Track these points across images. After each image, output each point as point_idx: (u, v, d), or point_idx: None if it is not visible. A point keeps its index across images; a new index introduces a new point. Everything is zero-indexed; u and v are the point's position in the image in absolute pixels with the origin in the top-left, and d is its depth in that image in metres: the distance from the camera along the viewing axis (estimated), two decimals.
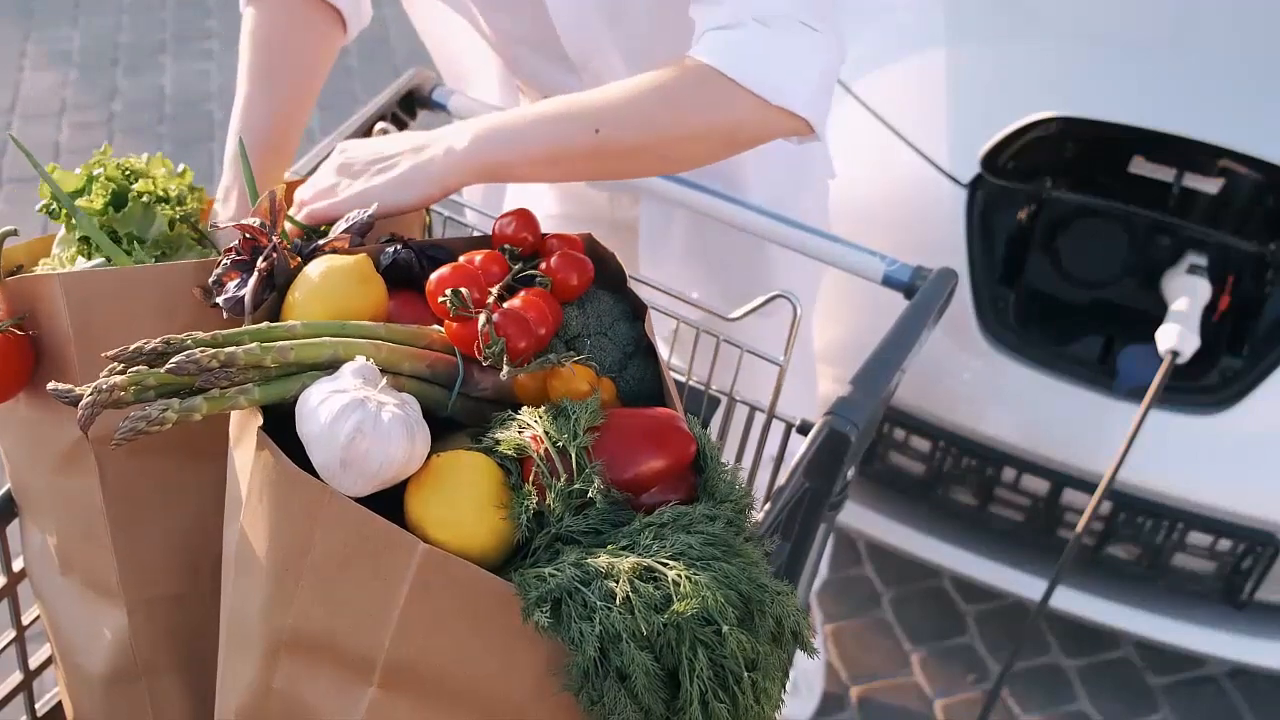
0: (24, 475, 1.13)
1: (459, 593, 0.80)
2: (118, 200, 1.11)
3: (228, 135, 1.21)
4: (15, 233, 1.03)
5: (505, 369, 0.91)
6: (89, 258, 1.09)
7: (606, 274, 1.08)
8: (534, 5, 1.27)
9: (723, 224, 1.39)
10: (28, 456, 1.10)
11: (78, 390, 0.83)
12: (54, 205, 1.11)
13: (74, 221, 1.10)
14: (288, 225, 1.08)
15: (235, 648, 0.92)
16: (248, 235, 0.98)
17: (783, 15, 1.11)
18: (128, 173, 1.14)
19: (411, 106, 1.53)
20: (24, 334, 1.02)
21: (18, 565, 1.20)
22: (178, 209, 1.13)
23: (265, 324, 0.90)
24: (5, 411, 1.09)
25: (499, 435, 0.88)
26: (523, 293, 0.97)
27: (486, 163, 1.10)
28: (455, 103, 1.50)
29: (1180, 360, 1.70)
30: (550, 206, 1.68)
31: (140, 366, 0.84)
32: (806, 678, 2.20)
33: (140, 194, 1.12)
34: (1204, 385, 1.87)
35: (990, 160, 1.91)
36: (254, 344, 0.87)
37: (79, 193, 1.13)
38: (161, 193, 1.14)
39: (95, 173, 1.13)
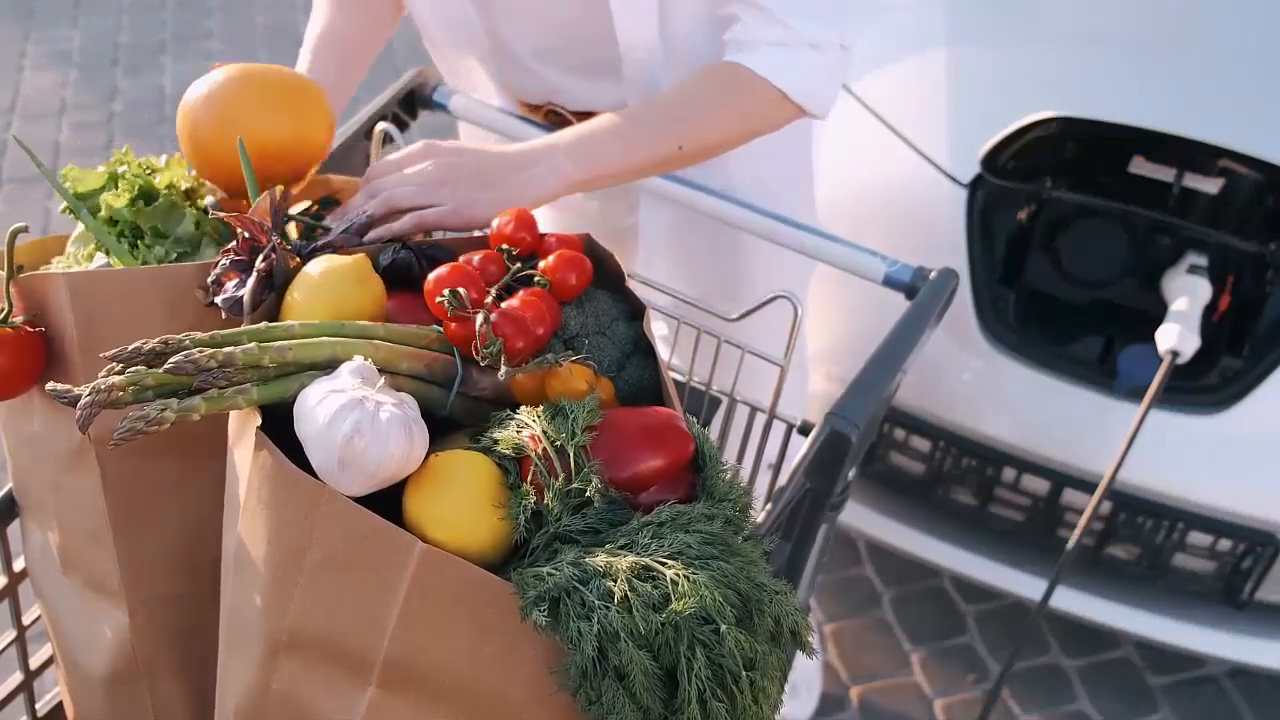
0: (28, 474, 1.13)
1: (457, 592, 0.80)
2: (146, 195, 1.12)
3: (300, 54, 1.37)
4: (26, 229, 1.04)
5: (503, 369, 0.91)
6: (108, 252, 1.10)
7: (605, 274, 1.09)
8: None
9: (714, 223, 1.39)
10: (32, 455, 1.10)
11: (76, 390, 0.83)
12: (79, 205, 1.12)
13: (82, 221, 1.11)
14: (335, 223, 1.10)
15: (235, 648, 0.92)
16: (247, 235, 0.98)
17: (830, 42, 1.27)
18: (149, 170, 1.15)
19: (412, 106, 1.53)
20: (36, 331, 1.02)
21: (19, 565, 1.21)
22: (198, 205, 1.14)
23: (264, 324, 0.90)
24: (16, 408, 1.09)
25: (497, 435, 0.88)
26: (521, 293, 0.97)
27: (581, 180, 1.19)
28: (456, 103, 1.50)
29: (1180, 360, 1.70)
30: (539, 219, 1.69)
31: (139, 366, 0.85)
32: (805, 678, 2.20)
33: (169, 189, 1.12)
34: (1204, 385, 1.87)
35: (990, 160, 1.91)
36: (252, 344, 0.87)
37: (99, 190, 1.13)
38: (183, 189, 1.14)
39: (120, 170, 1.14)
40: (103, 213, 1.11)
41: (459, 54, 1.49)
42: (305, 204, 1.22)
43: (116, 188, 1.12)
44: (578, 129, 1.21)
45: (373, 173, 1.16)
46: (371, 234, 1.09)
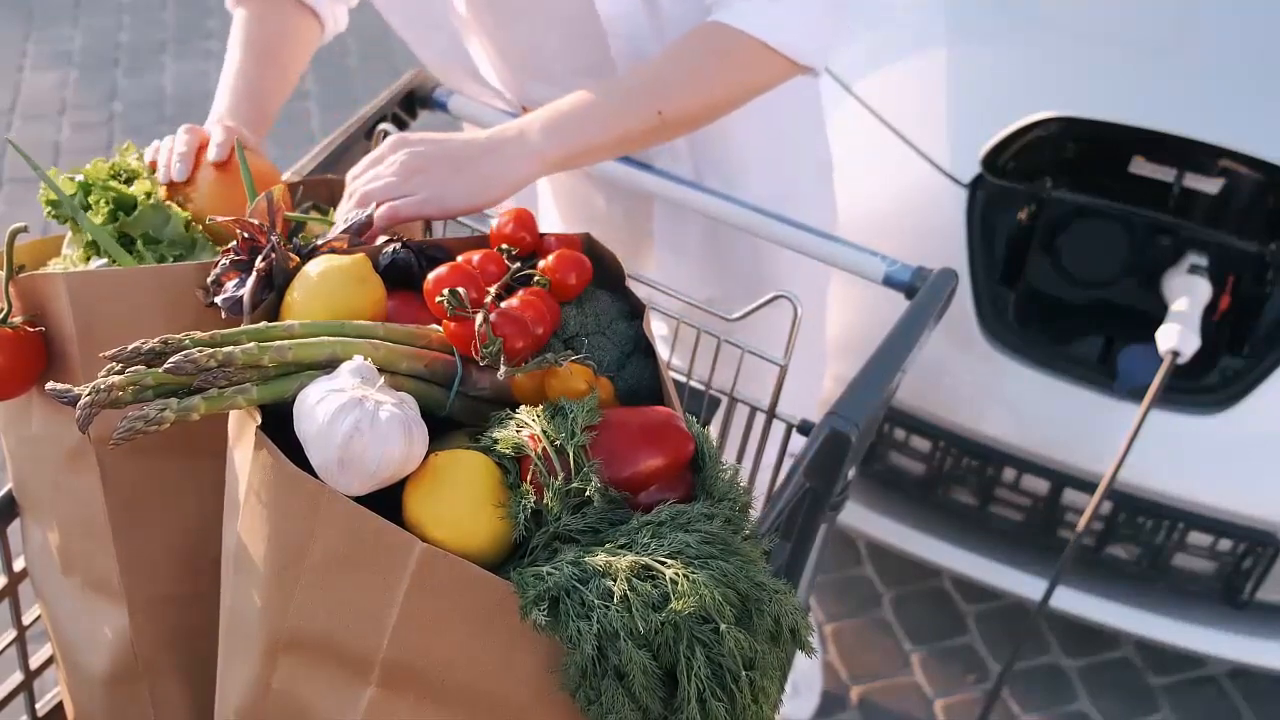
0: (28, 473, 1.13)
1: (457, 591, 0.80)
2: (124, 206, 1.11)
3: (213, 104, 1.31)
4: (26, 229, 1.04)
5: (502, 368, 0.91)
6: (100, 254, 1.10)
7: (605, 273, 1.09)
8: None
9: (733, 227, 1.39)
10: (32, 455, 1.11)
11: (76, 390, 0.83)
12: (59, 212, 1.11)
13: (79, 224, 1.11)
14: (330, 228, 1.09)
15: (234, 647, 0.92)
16: (246, 235, 0.99)
17: None
18: (121, 173, 1.14)
19: (412, 106, 1.53)
20: (36, 331, 1.02)
21: (19, 565, 1.21)
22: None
23: (263, 324, 0.90)
24: (15, 408, 1.09)
25: (497, 434, 0.88)
26: (520, 292, 0.97)
27: (559, 158, 1.14)
28: (455, 103, 1.50)
29: (1180, 360, 1.70)
30: (556, 223, 1.69)
31: (138, 366, 0.85)
32: (806, 678, 2.20)
33: (147, 195, 1.12)
34: (1204, 385, 1.87)
35: (990, 160, 1.91)
36: (252, 344, 0.87)
37: (73, 198, 1.12)
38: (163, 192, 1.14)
39: (78, 178, 1.13)
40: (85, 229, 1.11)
41: (465, 84, 1.49)
42: (307, 205, 1.22)
43: (87, 198, 1.11)
44: (552, 107, 1.18)
45: (350, 175, 1.16)
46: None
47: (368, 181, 1.12)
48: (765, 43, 1.21)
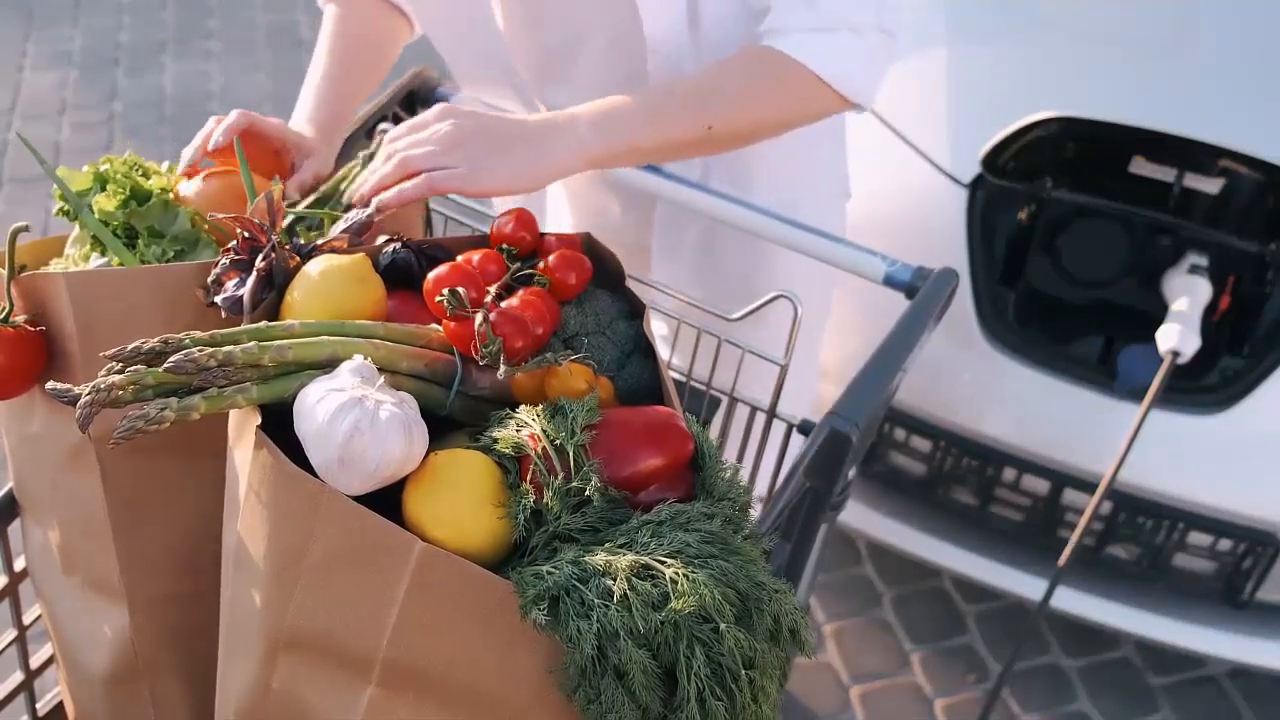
0: (28, 473, 1.13)
1: (457, 591, 0.80)
2: (138, 196, 1.12)
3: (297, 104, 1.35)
4: (28, 228, 1.04)
5: (502, 368, 0.91)
6: (103, 254, 1.10)
7: (605, 273, 1.09)
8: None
9: (735, 228, 1.39)
10: (33, 454, 1.11)
11: (76, 390, 0.83)
12: (69, 207, 1.12)
13: (82, 220, 1.11)
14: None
15: (234, 647, 0.92)
16: (246, 234, 0.99)
17: (870, 25, 1.22)
18: (137, 168, 1.15)
19: (413, 106, 1.53)
20: (36, 330, 1.02)
21: (19, 565, 1.21)
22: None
23: (263, 323, 0.90)
24: (16, 408, 1.09)
25: (497, 434, 0.88)
26: (520, 292, 0.97)
27: (602, 153, 1.12)
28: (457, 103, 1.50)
29: (1181, 360, 1.70)
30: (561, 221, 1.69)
31: (139, 366, 0.85)
32: None
33: (163, 190, 1.12)
34: (1204, 385, 1.87)
35: (991, 160, 1.91)
36: (252, 343, 0.87)
37: (87, 192, 1.13)
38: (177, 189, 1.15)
39: (103, 168, 1.13)
40: (96, 215, 1.11)
41: (487, 84, 1.48)
42: (312, 198, 1.22)
43: (104, 189, 1.12)
44: (602, 101, 1.15)
45: (390, 137, 1.13)
46: (382, 197, 1.05)
47: (408, 146, 1.08)
48: (819, 76, 1.21)
